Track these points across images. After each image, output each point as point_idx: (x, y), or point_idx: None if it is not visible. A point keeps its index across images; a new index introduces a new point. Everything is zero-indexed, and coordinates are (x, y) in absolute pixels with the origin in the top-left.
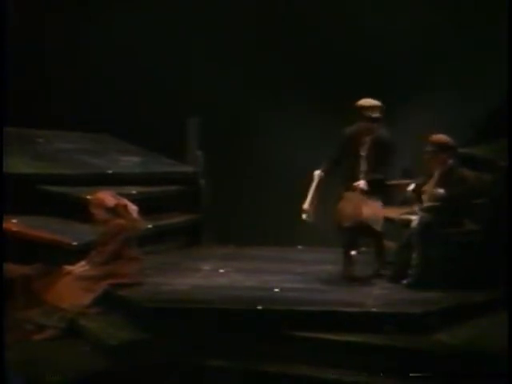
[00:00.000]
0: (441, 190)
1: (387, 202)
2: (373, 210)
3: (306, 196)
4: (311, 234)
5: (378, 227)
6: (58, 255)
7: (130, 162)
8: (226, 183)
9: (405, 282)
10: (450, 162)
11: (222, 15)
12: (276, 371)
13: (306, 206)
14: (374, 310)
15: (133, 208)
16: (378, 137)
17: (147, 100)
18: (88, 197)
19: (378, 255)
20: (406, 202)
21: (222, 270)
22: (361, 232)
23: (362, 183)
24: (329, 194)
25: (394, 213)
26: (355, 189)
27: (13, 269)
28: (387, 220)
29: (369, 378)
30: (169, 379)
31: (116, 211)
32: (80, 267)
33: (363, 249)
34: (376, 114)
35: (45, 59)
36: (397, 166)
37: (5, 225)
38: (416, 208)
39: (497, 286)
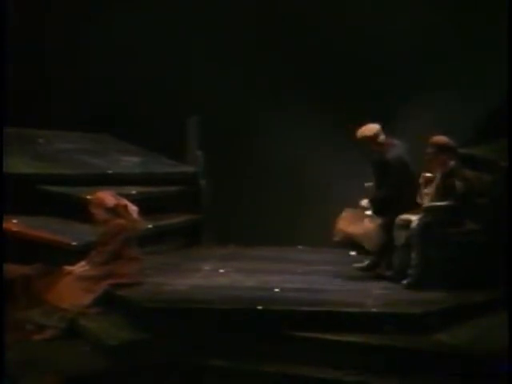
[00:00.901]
0: (459, 182)
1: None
2: (364, 229)
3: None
4: (311, 234)
5: (369, 245)
6: (58, 255)
7: (129, 162)
8: (226, 183)
9: (405, 282)
10: (451, 163)
11: (222, 15)
12: (276, 371)
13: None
14: (374, 310)
15: (133, 208)
16: (378, 157)
17: (147, 100)
18: (88, 197)
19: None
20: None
21: (222, 270)
22: (353, 247)
23: (364, 201)
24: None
25: None
26: (358, 206)
27: (13, 269)
28: None
29: (369, 377)
30: (169, 379)
31: (116, 211)
32: (80, 267)
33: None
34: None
35: (45, 59)
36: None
37: (5, 225)
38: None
39: (497, 286)
